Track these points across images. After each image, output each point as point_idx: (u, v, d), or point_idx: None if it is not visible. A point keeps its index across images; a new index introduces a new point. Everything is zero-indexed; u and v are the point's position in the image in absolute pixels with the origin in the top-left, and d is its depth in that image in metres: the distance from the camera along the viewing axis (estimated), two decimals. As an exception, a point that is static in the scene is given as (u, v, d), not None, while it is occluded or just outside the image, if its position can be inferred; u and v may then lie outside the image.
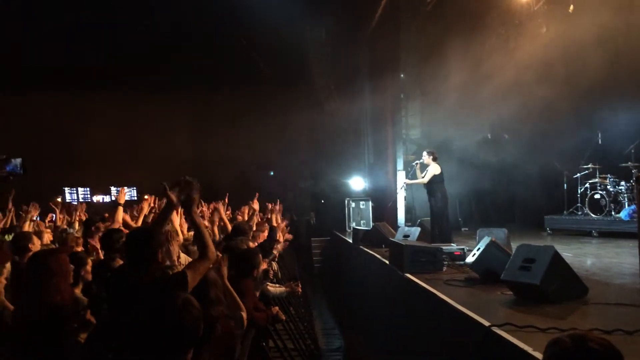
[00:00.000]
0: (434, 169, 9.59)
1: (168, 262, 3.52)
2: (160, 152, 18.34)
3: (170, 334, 2.11)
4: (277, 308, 4.43)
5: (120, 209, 5.02)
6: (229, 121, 18.69)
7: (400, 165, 14.84)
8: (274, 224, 6.69)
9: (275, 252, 8.34)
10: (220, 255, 3.54)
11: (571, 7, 10.65)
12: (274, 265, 7.67)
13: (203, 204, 9.66)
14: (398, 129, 14.97)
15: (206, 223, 6.46)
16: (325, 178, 18.11)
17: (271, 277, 7.39)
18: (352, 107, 16.60)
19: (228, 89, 18.62)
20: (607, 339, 1.72)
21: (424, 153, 9.92)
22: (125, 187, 19.76)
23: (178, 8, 14.90)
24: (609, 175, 11.20)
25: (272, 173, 19.89)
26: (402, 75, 14.92)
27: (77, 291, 3.77)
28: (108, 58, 16.83)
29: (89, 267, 3.99)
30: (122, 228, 4.66)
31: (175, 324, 2.11)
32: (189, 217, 3.14)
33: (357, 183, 16.64)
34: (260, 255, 4.30)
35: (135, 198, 18.30)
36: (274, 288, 5.39)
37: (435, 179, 9.55)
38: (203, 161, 18.76)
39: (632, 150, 10.90)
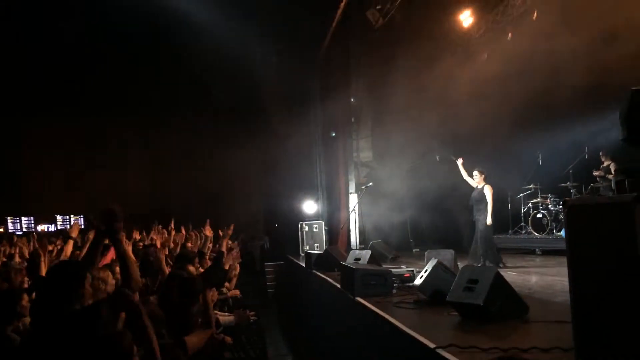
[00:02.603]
0: (489, 189, 9.67)
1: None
2: (108, 179, 17.90)
3: None
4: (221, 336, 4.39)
5: (71, 242, 4.89)
6: (179, 147, 18.47)
7: (352, 188, 15.03)
8: (223, 249, 6.61)
9: (233, 277, 8.28)
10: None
11: (509, 34, 11.16)
12: (225, 292, 7.60)
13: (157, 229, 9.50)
14: (349, 152, 15.19)
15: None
16: (278, 202, 18.09)
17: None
18: (304, 131, 16.74)
19: (179, 115, 18.43)
20: (543, 357, 1.79)
21: (476, 172, 9.97)
22: (72, 216, 19.16)
23: (125, 34, 14.75)
24: (549, 195, 11.69)
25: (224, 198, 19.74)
26: (352, 99, 15.22)
27: (10, 329, 3.57)
28: (53, 82, 16.43)
29: (25, 303, 3.81)
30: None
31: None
32: (114, 245, 3.07)
33: (310, 206, 16.70)
34: (203, 282, 4.25)
35: (83, 227, 17.74)
36: (223, 317, 5.32)
37: (488, 198, 9.59)
38: (154, 188, 18.42)
39: (571, 171, 11.43)
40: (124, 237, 3.21)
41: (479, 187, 9.84)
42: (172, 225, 9.01)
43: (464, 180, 11.02)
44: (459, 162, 10.46)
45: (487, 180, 9.84)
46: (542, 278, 7.91)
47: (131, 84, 17.01)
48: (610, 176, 10.71)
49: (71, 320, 2.59)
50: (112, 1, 13.37)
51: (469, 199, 10.12)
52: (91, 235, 5.19)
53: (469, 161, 13.58)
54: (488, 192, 9.60)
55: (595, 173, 11.09)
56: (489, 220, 9.49)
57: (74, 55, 15.52)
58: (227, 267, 6.97)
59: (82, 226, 17.86)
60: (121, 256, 2.99)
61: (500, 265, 9.29)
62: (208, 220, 7.62)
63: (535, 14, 10.36)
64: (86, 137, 18.29)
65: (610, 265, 2.97)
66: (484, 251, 9.53)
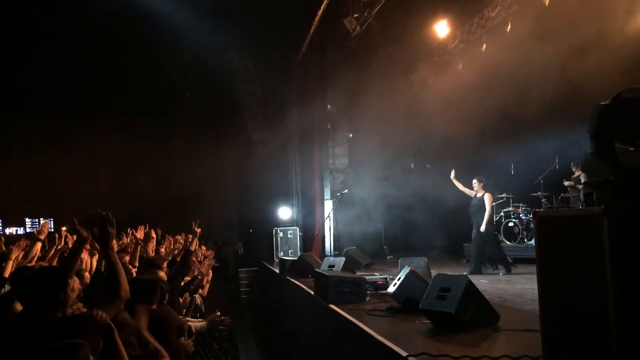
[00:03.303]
0: (489, 197, 9.78)
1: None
2: (78, 182, 17.57)
3: None
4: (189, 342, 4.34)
5: (39, 244, 4.77)
6: (153, 151, 18.22)
7: (327, 194, 15.06)
8: (192, 248, 6.51)
9: (206, 284, 8.18)
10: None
11: (484, 45, 11.35)
12: (198, 298, 7.51)
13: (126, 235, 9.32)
14: (325, 158, 15.23)
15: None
16: (253, 207, 18.01)
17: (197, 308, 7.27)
18: (280, 137, 16.72)
19: (152, 118, 18.21)
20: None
21: (475, 181, 10.09)
22: (42, 219, 18.76)
23: (97, 33, 14.54)
24: (521, 204, 11.88)
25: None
26: (329, 106, 15.27)
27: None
28: (21, 81, 16.07)
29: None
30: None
31: None
32: (105, 253, 3.03)
33: (285, 212, 16.67)
34: (162, 285, 4.19)
35: (52, 230, 17.35)
36: (194, 323, 5.26)
37: (487, 206, 9.69)
38: (126, 191, 18.13)
39: (542, 181, 11.65)
40: (115, 245, 3.16)
41: (478, 195, 9.98)
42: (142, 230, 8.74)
43: (440, 187, 11.17)
44: (452, 174, 10.61)
45: (485, 189, 9.98)
46: (513, 286, 8.02)
47: (103, 84, 16.74)
48: (580, 186, 10.94)
49: (54, 330, 2.53)
50: (84, 1, 13.17)
51: (469, 207, 10.27)
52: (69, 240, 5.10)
53: (442, 169, 13.78)
54: (487, 200, 9.75)
55: (566, 183, 11.32)
56: (482, 227, 9.65)
57: (43, 54, 15.20)
58: (196, 274, 6.90)
59: (52, 229, 17.53)
60: (111, 264, 2.95)
61: (482, 273, 9.51)
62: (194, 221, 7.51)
63: (509, 26, 10.56)
64: (56, 139, 17.90)
65: (579, 276, 3.02)
66: (474, 256, 9.73)
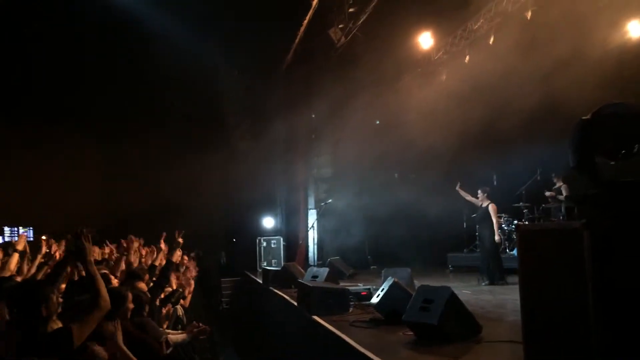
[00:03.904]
0: (493, 207, 9.86)
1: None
2: (60, 190, 17.30)
3: None
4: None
5: (16, 255, 4.68)
6: (135, 159, 18.01)
7: (311, 204, 15.04)
8: (174, 259, 6.42)
9: (187, 295, 8.08)
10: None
11: (467, 57, 11.45)
12: (179, 309, 7.42)
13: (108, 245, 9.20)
14: (309, 167, 15.23)
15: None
16: (236, 216, 17.90)
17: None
18: (264, 147, 16.68)
19: (136, 126, 18.02)
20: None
21: (479, 192, 10.20)
22: (21, 228, 18.41)
23: (79, 39, 14.40)
24: (503, 215, 11.96)
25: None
26: (313, 116, 15.29)
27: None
28: (1, 88, 15.82)
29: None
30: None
31: None
32: (83, 267, 3.00)
33: (268, 222, 16.61)
34: (143, 297, 4.13)
35: (32, 239, 17.05)
36: (175, 335, 5.18)
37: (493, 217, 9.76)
38: (108, 200, 17.87)
39: (523, 192, 11.77)
40: (93, 259, 3.12)
41: (482, 205, 10.04)
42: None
43: (424, 197, 11.19)
44: (457, 186, 10.77)
45: (489, 199, 10.07)
46: (495, 297, 8.06)
47: (85, 91, 16.53)
48: (561, 197, 11.07)
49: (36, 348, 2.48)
50: (65, 4, 13.03)
51: (474, 218, 10.44)
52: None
53: (426, 179, 13.88)
54: (492, 210, 9.83)
55: (548, 194, 11.44)
56: (497, 237, 9.72)
57: (22, 60, 15.01)
58: (175, 287, 6.80)
59: (31, 238, 17.24)
60: (91, 277, 2.92)
61: (501, 282, 9.49)
62: (164, 234, 7.42)
63: (492, 39, 10.67)
64: (36, 145, 17.62)
65: (560, 288, 3.04)
66: (487, 267, 9.75)
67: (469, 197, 10.58)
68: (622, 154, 2.96)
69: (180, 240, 6.70)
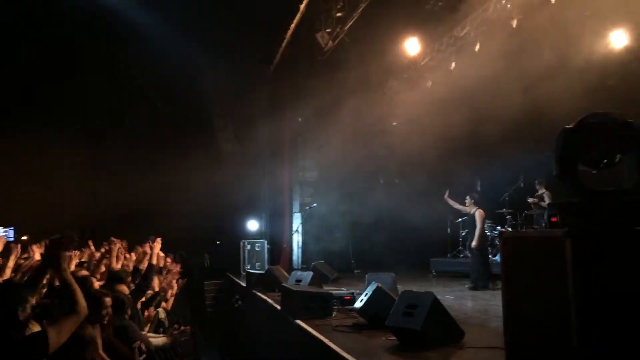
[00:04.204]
0: (479, 214, 9.91)
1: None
2: (41, 191, 17.08)
3: None
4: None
5: None
6: (119, 160, 17.83)
7: (296, 207, 15.02)
8: (154, 262, 6.37)
9: (170, 297, 8.00)
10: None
11: (453, 64, 11.54)
12: (161, 312, 7.35)
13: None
14: (295, 171, 15.22)
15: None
16: (221, 219, 17.81)
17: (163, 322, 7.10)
18: (249, 149, 16.64)
19: (119, 127, 17.86)
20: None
21: (467, 197, 10.26)
22: (2, 228, 18.10)
23: (63, 43, 14.23)
24: (487, 220, 12.02)
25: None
26: (300, 119, 15.28)
27: None
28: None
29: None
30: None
31: None
32: (57, 274, 2.95)
33: (253, 224, 16.55)
34: (108, 300, 4.07)
35: (12, 239, 16.80)
36: (155, 339, 5.13)
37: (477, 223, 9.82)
38: (90, 201, 17.66)
39: (507, 198, 11.87)
40: (68, 265, 3.07)
41: (470, 212, 10.11)
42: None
43: (408, 202, 11.22)
44: (446, 194, 10.81)
45: (477, 205, 10.15)
46: (478, 302, 8.10)
47: (68, 92, 16.36)
48: (544, 203, 11.18)
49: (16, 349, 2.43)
50: (50, 3, 12.87)
51: (462, 223, 10.68)
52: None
53: (411, 184, 13.95)
54: (478, 216, 9.91)
55: (530, 200, 11.55)
56: (474, 244, 9.79)
57: (4, 60, 14.81)
58: (157, 289, 6.74)
59: (12, 238, 16.97)
60: (66, 285, 2.88)
61: (490, 287, 9.50)
62: (149, 241, 7.34)
63: (477, 46, 10.76)
64: (17, 146, 17.39)
65: (543, 295, 3.07)
66: (475, 274, 9.78)
67: (457, 205, 10.66)
68: (605, 163, 3.00)
69: (158, 243, 6.65)
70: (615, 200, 2.88)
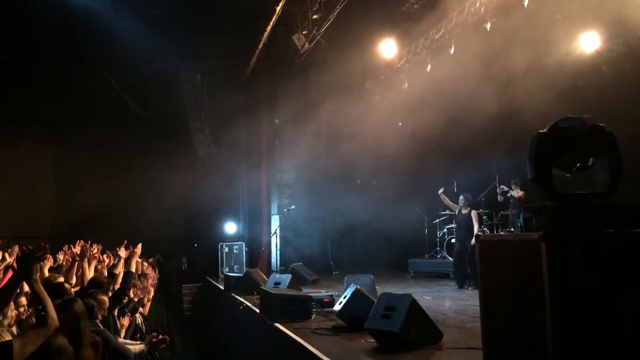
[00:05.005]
0: (475, 214, 9.99)
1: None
2: (15, 193, 16.72)
3: None
4: None
5: None
6: (94, 162, 17.53)
7: (274, 209, 14.97)
8: (132, 269, 6.30)
9: (147, 302, 7.90)
10: None
11: (429, 66, 11.65)
12: (138, 317, 7.25)
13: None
14: (272, 173, 15.17)
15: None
16: (198, 221, 17.68)
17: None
18: (227, 151, 16.55)
19: (94, 129, 17.57)
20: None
21: (461, 198, 10.25)
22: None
23: (38, 44, 13.95)
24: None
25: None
26: (277, 121, 15.25)
27: None
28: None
29: None
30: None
31: None
32: (28, 285, 2.90)
33: (230, 227, 16.45)
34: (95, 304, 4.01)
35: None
36: (132, 346, 5.06)
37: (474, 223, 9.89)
38: (65, 204, 17.33)
39: (483, 199, 12.02)
40: (39, 277, 3.01)
41: (463, 212, 10.19)
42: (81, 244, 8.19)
43: (386, 203, 11.26)
44: (440, 190, 10.86)
45: (470, 206, 10.24)
46: (456, 303, 8.17)
47: (42, 92, 16.04)
48: (514, 193, 11.42)
49: None
50: (22, 4, 12.59)
51: (454, 223, 10.60)
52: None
53: (388, 186, 14.04)
54: (474, 217, 9.99)
55: (503, 189, 11.76)
56: (472, 241, 9.81)
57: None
58: (133, 296, 6.65)
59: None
60: (36, 296, 2.83)
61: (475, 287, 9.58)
62: (125, 241, 7.24)
63: (452, 48, 10.88)
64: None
65: (518, 296, 3.12)
66: (474, 273, 9.83)
67: (449, 202, 10.74)
68: (577, 167, 3.06)
69: (138, 250, 6.59)
70: (587, 204, 2.95)
